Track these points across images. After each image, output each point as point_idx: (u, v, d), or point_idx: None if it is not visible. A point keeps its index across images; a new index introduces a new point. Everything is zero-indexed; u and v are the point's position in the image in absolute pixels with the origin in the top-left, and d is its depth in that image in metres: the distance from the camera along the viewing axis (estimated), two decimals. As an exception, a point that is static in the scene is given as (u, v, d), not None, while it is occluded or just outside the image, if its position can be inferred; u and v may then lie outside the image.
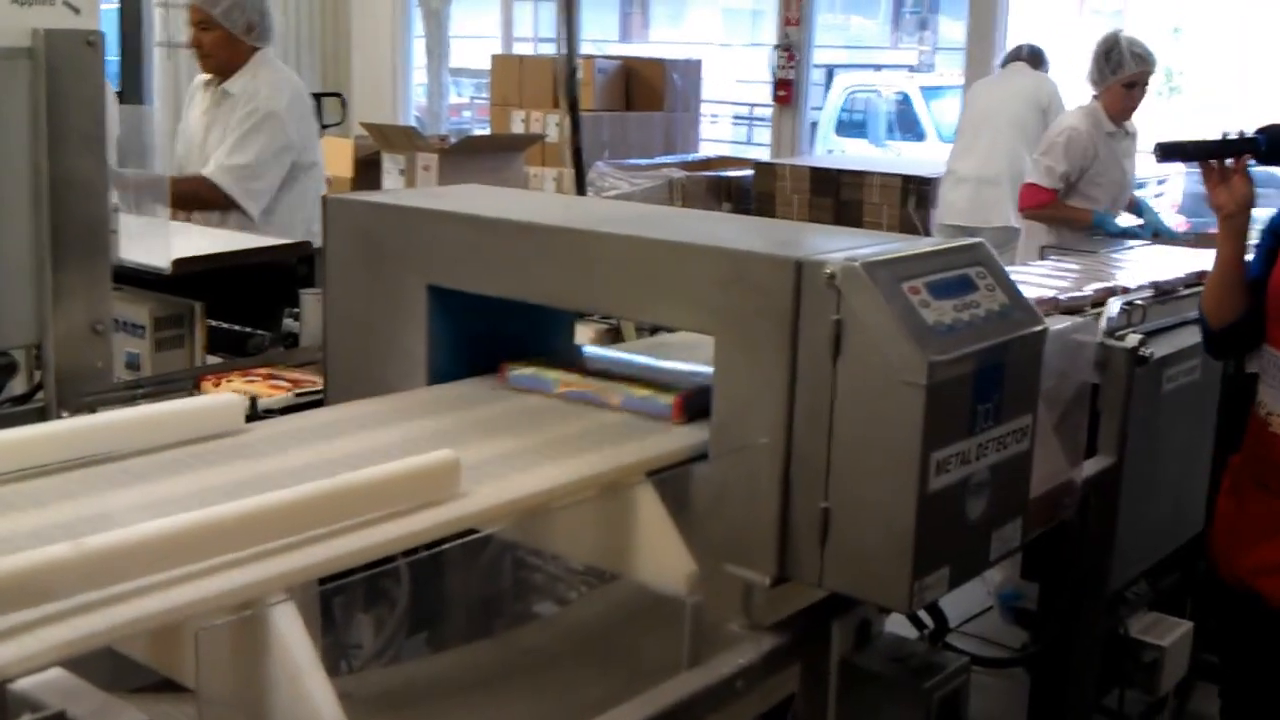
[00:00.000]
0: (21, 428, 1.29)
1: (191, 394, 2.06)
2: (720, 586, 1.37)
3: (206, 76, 3.84)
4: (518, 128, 7.55)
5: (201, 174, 3.67)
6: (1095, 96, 4.61)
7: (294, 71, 4.07)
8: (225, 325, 2.37)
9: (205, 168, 3.69)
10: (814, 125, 10.04)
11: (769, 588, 1.36)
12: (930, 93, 12.22)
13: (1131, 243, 3.90)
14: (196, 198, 3.61)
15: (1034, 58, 5.79)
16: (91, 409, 1.72)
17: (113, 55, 7.82)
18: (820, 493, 1.32)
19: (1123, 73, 4.51)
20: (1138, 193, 4.91)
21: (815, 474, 1.32)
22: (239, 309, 2.42)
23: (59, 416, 1.76)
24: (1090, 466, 2.08)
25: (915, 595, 1.31)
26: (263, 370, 2.06)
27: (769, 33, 8.51)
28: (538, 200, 2.09)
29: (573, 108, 2.68)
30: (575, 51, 2.66)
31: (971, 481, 1.34)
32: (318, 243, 2.01)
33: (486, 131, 8.23)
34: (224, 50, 3.74)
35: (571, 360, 1.67)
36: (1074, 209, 4.50)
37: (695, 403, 1.49)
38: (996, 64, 6.46)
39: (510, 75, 7.90)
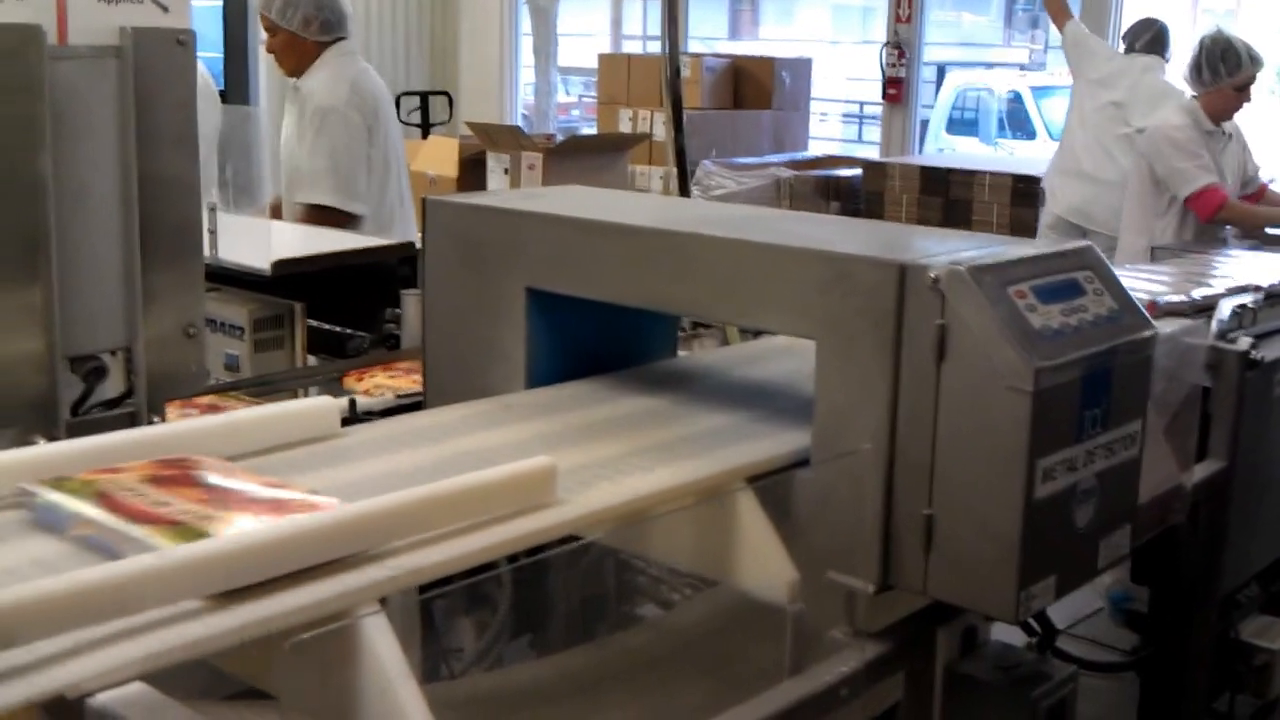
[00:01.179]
0: (110, 434, 1.30)
1: (301, 394, 2.09)
2: (823, 593, 1.34)
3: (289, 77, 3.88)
4: (625, 126, 7.56)
5: (307, 203, 3.69)
6: (1194, 96, 4.43)
7: (371, 68, 4.03)
8: (326, 326, 2.39)
9: (298, 195, 3.70)
10: (924, 123, 9.90)
11: (873, 595, 1.33)
12: (1041, 92, 11.98)
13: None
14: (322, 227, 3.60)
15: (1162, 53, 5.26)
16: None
17: (217, 54, 8.01)
18: (924, 500, 1.29)
19: (1239, 74, 4.33)
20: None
21: (919, 481, 1.29)
22: (340, 310, 2.44)
23: (150, 422, 1.76)
24: (1200, 471, 2.03)
25: (1022, 605, 1.27)
26: (405, 364, 2.09)
27: (880, 30, 8.42)
28: (637, 201, 2.08)
29: (675, 107, 2.65)
30: (678, 50, 2.64)
31: (1079, 489, 1.31)
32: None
33: (594, 130, 8.26)
34: (290, 50, 3.76)
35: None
36: (1268, 208, 4.29)
37: None
38: (1114, 45, 6.18)
39: (618, 74, 7.93)
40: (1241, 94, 4.38)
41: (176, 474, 1.18)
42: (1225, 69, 4.36)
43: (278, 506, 1.10)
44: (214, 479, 1.18)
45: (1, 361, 1.67)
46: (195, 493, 1.14)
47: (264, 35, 3.93)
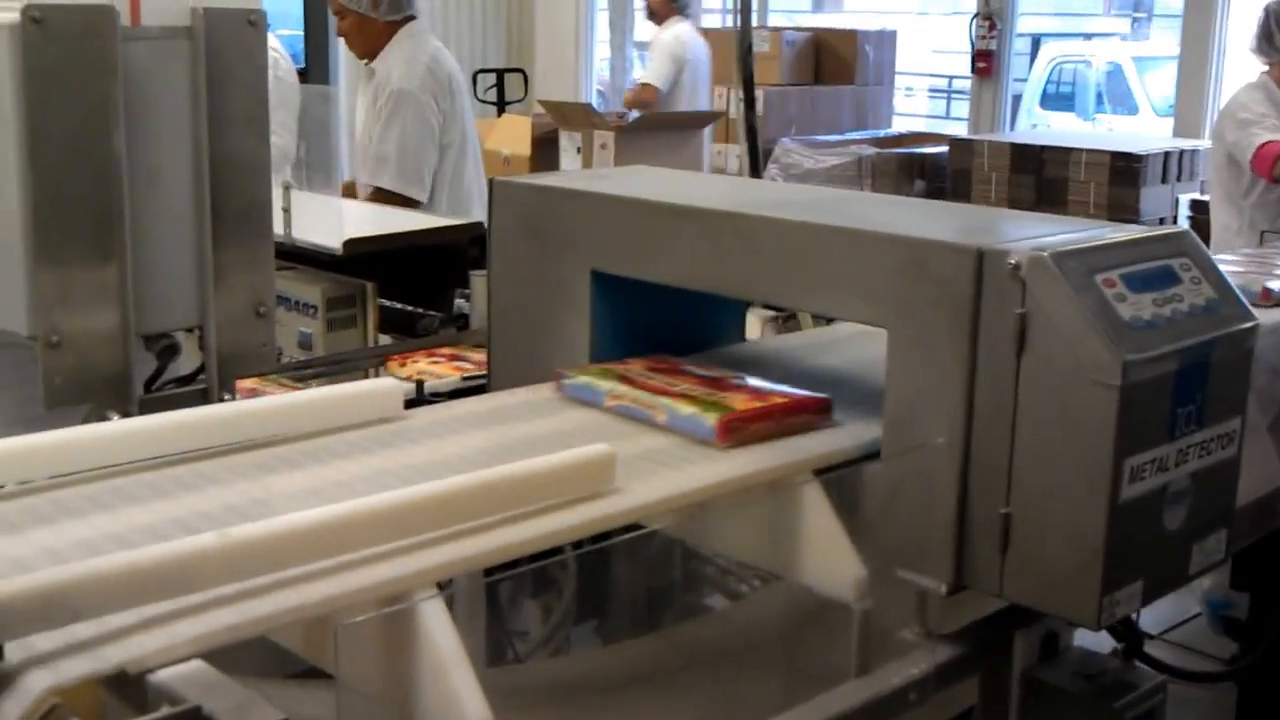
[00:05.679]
0: (178, 412, 1.30)
1: (371, 373, 2.08)
2: (892, 592, 1.30)
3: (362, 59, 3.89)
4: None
5: (372, 185, 3.72)
6: (1265, 71, 4.31)
7: (442, 45, 4.03)
8: (397, 305, 2.39)
9: (365, 175, 3.72)
10: (1017, 98, 9.65)
11: (945, 596, 1.28)
12: (1144, 63, 11.62)
13: None
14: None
15: None
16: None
17: (298, 31, 8.07)
18: (1001, 498, 1.24)
19: None
20: None
21: (996, 478, 1.24)
22: (411, 289, 2.44)
23: (220, 399, 1.78)
24: (1308, 471, 1.93)
25: (1104, 611, 1.21)
26: (447, 351, 2.07)
27: (969, 0, 8.21)
28: (704, 183, 2.04)
29: (747, 85, 2.60)
30: (749, 25, 2.58)
31: (1170, 490, 1.24)
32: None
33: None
34: (360, 32, 3.77)
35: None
36: None
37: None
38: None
39: (694, 49, 7.83)
40: None
41: None
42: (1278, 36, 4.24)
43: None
44: None
45: (77, 339, 1.70)
46: None
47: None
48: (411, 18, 3.81)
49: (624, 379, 1.45)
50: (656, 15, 7.16)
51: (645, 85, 6.99)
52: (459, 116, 3.87)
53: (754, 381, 1.46)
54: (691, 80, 7.06)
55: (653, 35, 7.27)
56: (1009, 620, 1.34)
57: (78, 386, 1.71)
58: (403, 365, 2.03)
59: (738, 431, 1.34)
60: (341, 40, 3.96)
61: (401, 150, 3.68)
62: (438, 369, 2.05)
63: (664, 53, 7.03)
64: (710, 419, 1.34)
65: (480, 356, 1.95)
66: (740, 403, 1.38)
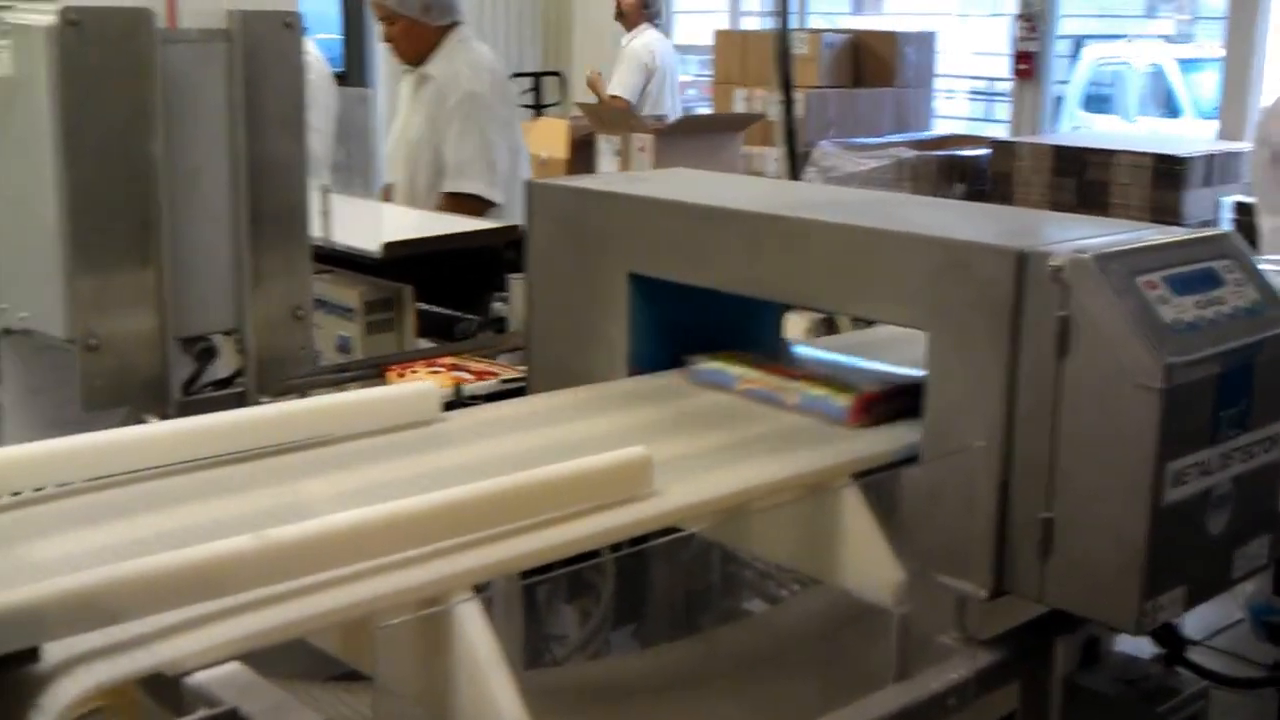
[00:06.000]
0: (216, 415, 1.31)
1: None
2: (932, 597, 1.29)
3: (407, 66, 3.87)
4: (740, 106, 7.46)
5: (443, 192, 3.68)
6: None
7: (492, 51, 4.05)
8: (435, 309, 2.39)
9: (444, 184, 3.70)
10: (1058, 100, 9.56)
11: (985, 600, 1.27)
12: (1187, 65, 11.50)
13: None
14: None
15: None
16: (303, 393, 1.75)
17: (336, 35, 8.11)
18: (1042, 502, 1.22)
19: None
20: None
21: (1037, 482, 1.22)
22: (449, 292, 2.44)
23: (258, 402, 1.78)
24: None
25: (1146, 616, 1.20)
26: (447, 360, 2.05)
27: (1010, 1, 8.15)
28: (742, 185, 2.03)
29: (786, 87, 2.59)
30: (788, 27, 2.57)
31: (1213, 494, 1.22)
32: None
33: (710, 110, 8.17)
34: (410, 38, 3.73)
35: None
36: None
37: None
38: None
39: (733, 52, 7.81)
40: None
41: None
42: None
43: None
44: None
45: (115, 341, 1.71)
46: None
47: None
48: (458, 23, 3.81)
49: (753, 364, 1.51)
50: (627, 19, 7.30)
51: (615, 98, 7.12)
52: (515, 120, 3.88)
53: (875, 366, 1.55)
54: (657, 88, 7.17)
55: (624, 42, 7.36)
56: (1050, 625, 1.32)
57: (116, 389, 1.72)
58: (401, 376, 2.00)
59: (870, 411, 1.40)
60: (382, 45, 3.94)
61: (480, 154, 3.66)
62: (436, 379, 2.02)
63: (633, 64, 7.17)
64: (842, 400, 1.40)
65: (480, 365, 1.94)
66: (867, 385, 1.43)
